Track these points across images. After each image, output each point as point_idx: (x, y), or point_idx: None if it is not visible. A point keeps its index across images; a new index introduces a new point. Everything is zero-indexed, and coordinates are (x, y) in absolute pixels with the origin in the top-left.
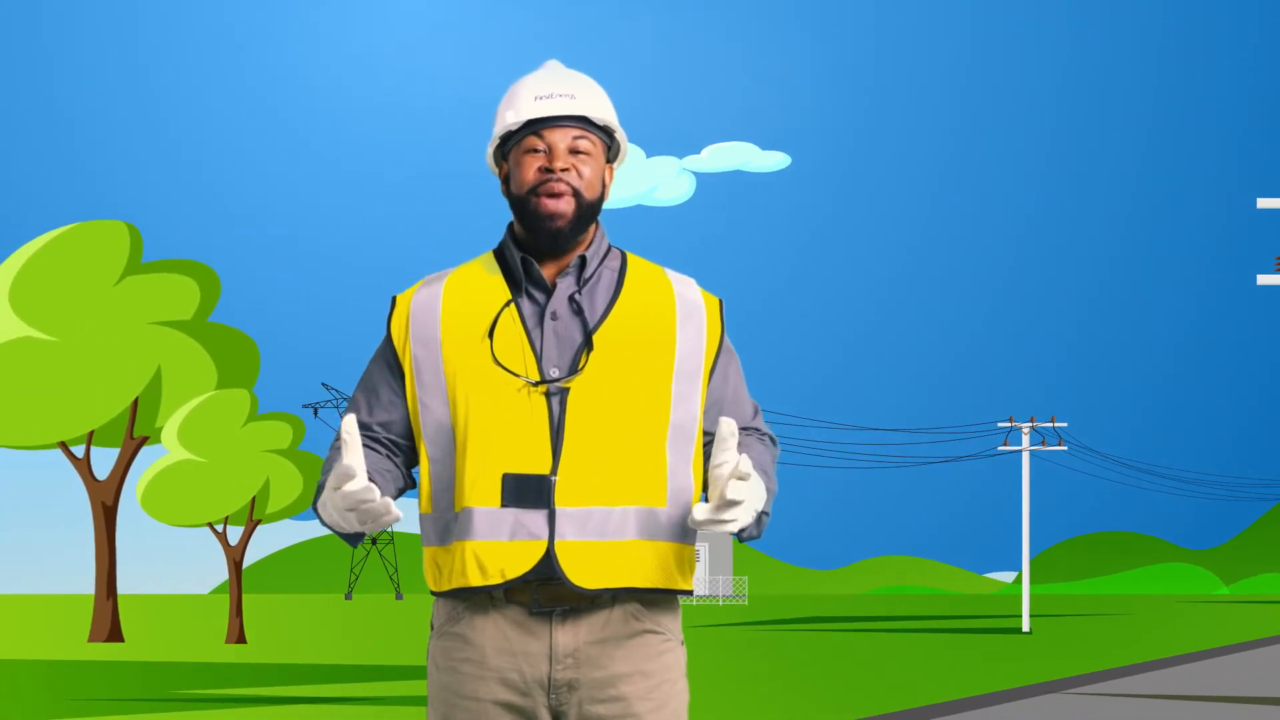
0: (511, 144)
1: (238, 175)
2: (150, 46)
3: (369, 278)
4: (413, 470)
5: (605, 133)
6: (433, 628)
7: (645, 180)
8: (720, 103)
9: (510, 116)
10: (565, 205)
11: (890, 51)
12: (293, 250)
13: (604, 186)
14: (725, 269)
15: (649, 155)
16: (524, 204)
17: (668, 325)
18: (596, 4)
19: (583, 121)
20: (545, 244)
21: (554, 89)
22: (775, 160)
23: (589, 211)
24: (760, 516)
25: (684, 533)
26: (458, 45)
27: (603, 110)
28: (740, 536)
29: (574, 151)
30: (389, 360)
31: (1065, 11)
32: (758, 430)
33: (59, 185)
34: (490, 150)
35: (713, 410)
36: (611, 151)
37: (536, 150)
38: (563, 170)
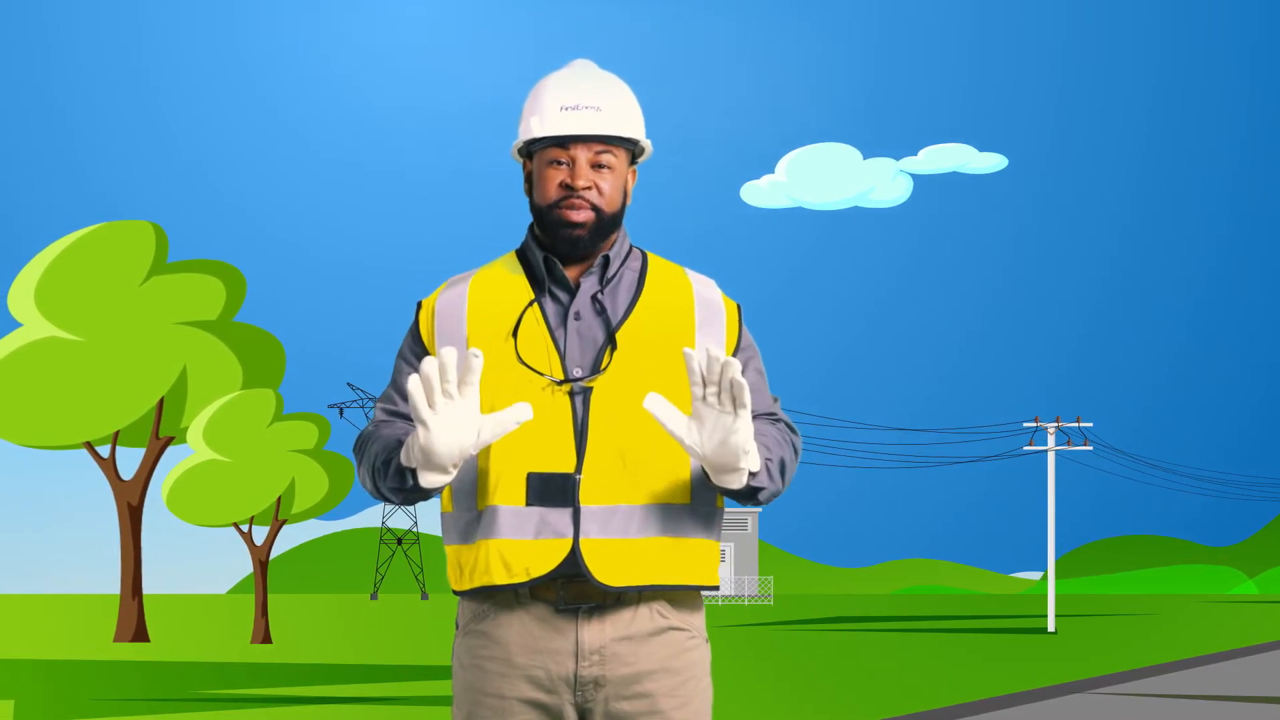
0: (535, 148)
1: (260, 178)
2: (155, 51)
3: (394, 279)
4: None
5: (630, 140)
6: (458, 626)
7: (862, 182)
8: (937, 104)
9: (535, 125)
10: (585, 218)
11: (1106, 52)
12: (318, 251)
13: (625, 195)
14: (942, 270)
15: (865, 157)
16: (544, 215)
17: (687, 325)
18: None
19: (607, 136)
20: (565, 253)
21: (580, 99)
22: (992, 161)
23: (609, 224)
24: (766, 464)
25: (708, 529)
26: (478, 46)
27: (629, 124)
28: (758, 496)
29: (597, 166)
30: (419, 356)
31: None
32: (773, 415)
33: (72, 189)
34: (515, 148)
35: None
36: (636, 151)
37: (559, 162)
38: (584, 188)
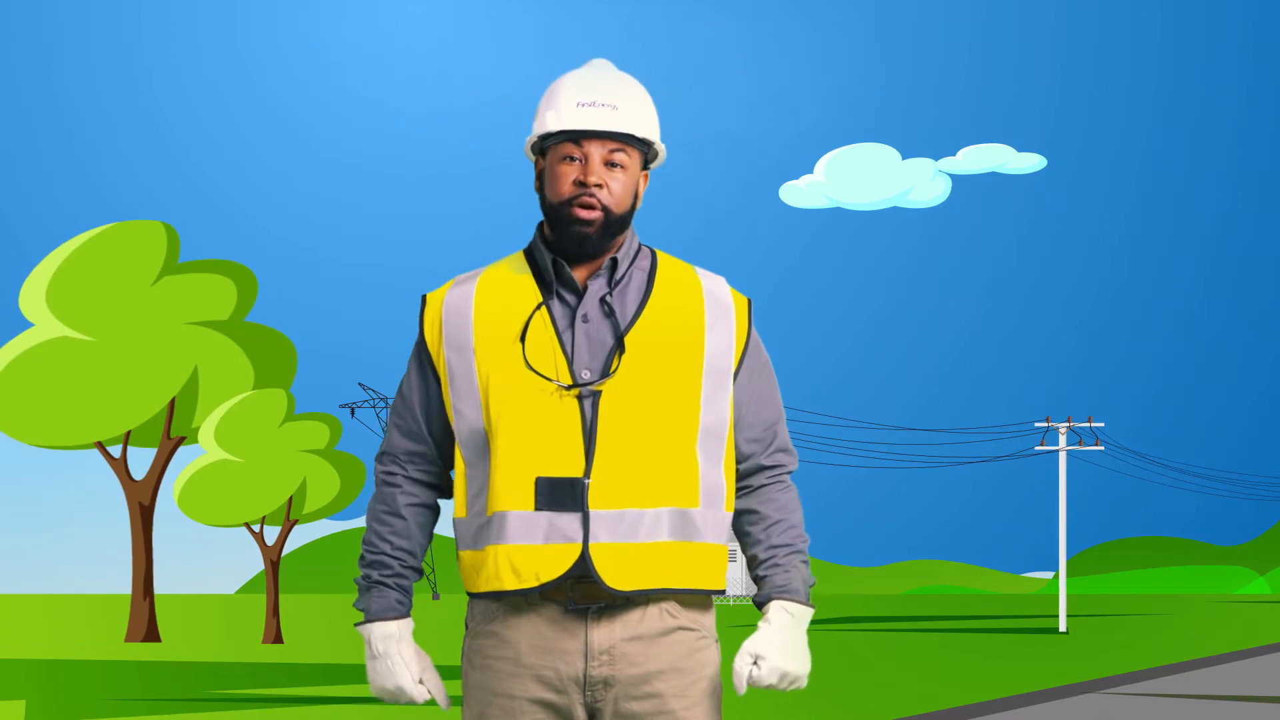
0: (549, 143)
1: (267, 179)
2: (156, 51)
3: (404, 278)
4: (449, 472)
5: (644, 141)
6: (468, 627)
7: (901, 182)
8: (976, 104)
9: (550, 120)
10: (595, 218)
11: (1142, 52)
12: (328, 252)
13: (636, 197)
14: (978, 270)
15: (904, 157)
16: (555, 212)
17: (697, 325)
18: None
19: (622, 134)
20: (573, 252)
21: (597, 97)
22: (1031, 162)
23: (618, 224)
24: (806, 586)
25: (716, 533)
26: (486, 45)
27: (644, 124)
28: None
29: (609, 164)
30: (424, 367)
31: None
32: (777, 467)
33: (72, 190)
34: (528, 144)
35: (735, 410)
36: (650, 154)
37: (572, 159)
38: (596, 186)
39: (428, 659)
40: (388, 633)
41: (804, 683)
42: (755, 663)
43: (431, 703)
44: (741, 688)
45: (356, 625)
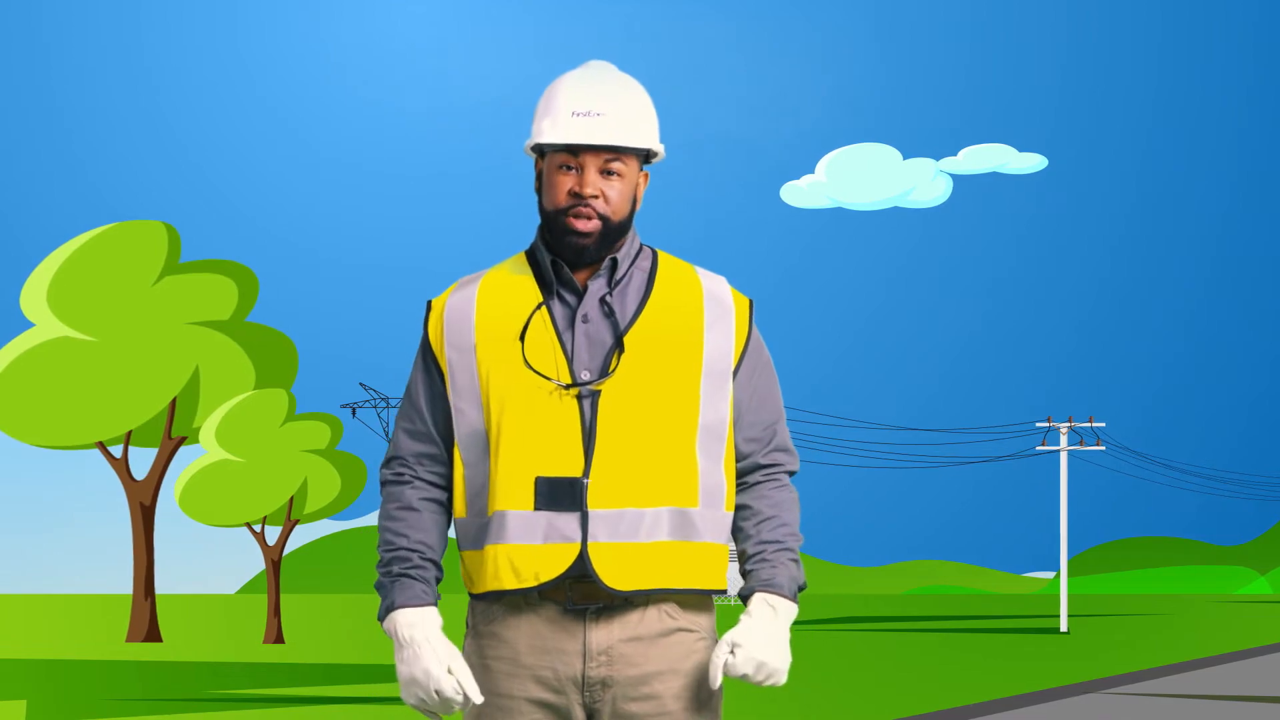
0: (545, 150)
1: (267, 179)
2: (156, 51)
3: (406, 278)
4: None
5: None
6: (468, 627)
7: (901, 183)
8: (977, 104)
9: (546, 128)
10: (591, 227)
11: (1142, 52)
12: (329, 252)
13: (635, 199)
14: (980, 270)
15: (905, 157)
16: (552, 220)
17: (696, 325)
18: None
19: (618, 146)
20: (572, 259)
21: (591, 105)
22: (1033, 162)
23: (616, 231)
24: (796, 588)
25: (716, 533)
26: (486, 45)
27: (640, 133)
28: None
29: (606, 172)
30: (429, 367)
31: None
32: (774, 466)
33: (72, 190)
34: (527, 146)
35: (735, 409)
36: (650, 154)
37: (568, 168)
38: (591, 197)
39: (457, 650)
40: (412, 620)
41: (782, 678)
42: (732, 651)
43: (464, 703)
44: (717, 678)
45: (381, 621)
